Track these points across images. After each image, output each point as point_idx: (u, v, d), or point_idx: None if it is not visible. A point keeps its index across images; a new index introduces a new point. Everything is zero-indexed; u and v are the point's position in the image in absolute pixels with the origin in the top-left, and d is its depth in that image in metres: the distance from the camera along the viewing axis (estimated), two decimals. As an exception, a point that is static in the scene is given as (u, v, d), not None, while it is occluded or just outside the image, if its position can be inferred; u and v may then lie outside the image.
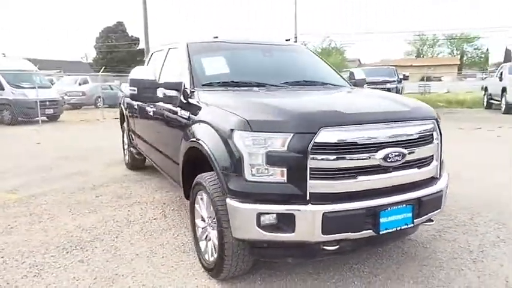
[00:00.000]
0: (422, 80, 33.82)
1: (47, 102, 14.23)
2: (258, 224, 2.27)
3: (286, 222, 2.26)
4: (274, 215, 2.27)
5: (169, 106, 3.50)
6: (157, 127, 3.85)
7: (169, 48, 4.23)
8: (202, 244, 2.94)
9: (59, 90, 17.22)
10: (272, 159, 2.27)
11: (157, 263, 3.06)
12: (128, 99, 5.14)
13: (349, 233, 2.30)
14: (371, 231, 2.34)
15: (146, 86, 3.39)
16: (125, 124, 5.81)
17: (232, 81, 3.34)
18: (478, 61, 52.63)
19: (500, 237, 3.42)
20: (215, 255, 2.67)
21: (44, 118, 13.90)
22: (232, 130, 2.39)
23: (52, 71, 28.82)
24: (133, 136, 5.33)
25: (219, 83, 3.32)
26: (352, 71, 4.29)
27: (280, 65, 3.87)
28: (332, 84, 3.77)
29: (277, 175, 2.29)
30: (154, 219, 4.01)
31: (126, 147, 6.17)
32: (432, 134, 2.67)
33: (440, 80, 40.39)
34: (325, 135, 2.25)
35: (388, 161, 2.37)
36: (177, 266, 3.02)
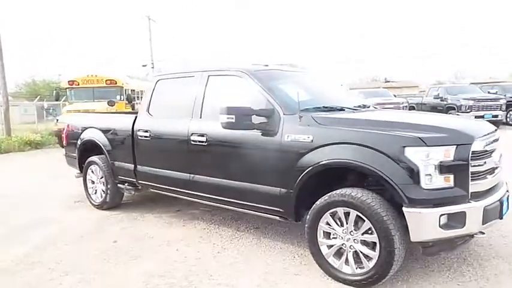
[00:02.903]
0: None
1: None
2: (439, 225, 2.69)
3: (458, 219, 2.73)
4: (446, 215, 2.72)
5: (259, 133, 3.50)
6: (240, 156, 3.69)
7: (208, 76, 4.13)
8: (333, 260, 3.12)
9: None
10: (443, 168, 2.73)
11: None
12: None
13: (493, 221, 2.92)
14: (498, 217, 3.01)
15: (245, 114, 3.35)
16: (108, 157, 5.13)
17: (324, 106, 3.62)
18: None
19: None
20: (370, 265, 2.91)
21: None
22: (404, 147, 2.75)
23: None
24: (141, 169, 4.77)
25: (315, 108, 3.55)
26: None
27: (328, 89, 4.29)
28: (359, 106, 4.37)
29: (447, 181, 2.75)
30: (234, 262, 3.85)
31: (99, 185, 5.41)
32: None
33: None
34: (477, 145, 2.84)
35: (496, 163, 3.11)
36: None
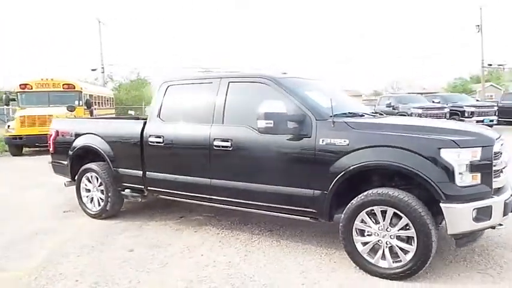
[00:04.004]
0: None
1: None
2: (472, 218, 3.01)
3: (485, 212, 3.08)
4: (477, 209, 3.05)
5: (292, 138, 3.64)
6: (271, 160, 3.77)
7: (229, 82, 4.20)
8: (369, 256, 3.34)
9: None
10: (472, 167, 3.07)
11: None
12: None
13: (510, 213, 3.30)
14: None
15: (282, 119, 3.49)
16: (111, 164, 4.96)
17: (349, 112, 3.85)
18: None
19: None
20: (407, 258, 3.16)
21: None
22: (439, 149, 3.05)
23: None
24: (151, 175, 4.67)
25: (342, 114, 3.77)
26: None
27: (342, 96, 4.55)
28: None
29: (474, 179, 3.09)
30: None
31: (96, 193, 5.20)
32: None
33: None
34: (496, 147, 3.22)
35: (506, 162, 3.52)
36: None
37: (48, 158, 6.04)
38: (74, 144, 5.34)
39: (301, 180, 3.64)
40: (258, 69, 4.36)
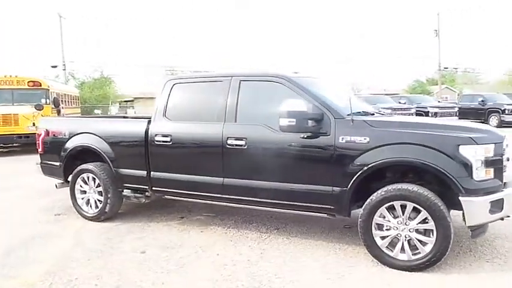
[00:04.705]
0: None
1: None
2: (488, 210, 3.21)
3: (498, 205, 3.29)
4: (491, 202, 3.26)
5: (310, 135, 3.71)
6: (288, 157, 3.80)
7: (240, 81, 4.20)
8: (389, 250, 3.47)
9: None
10: (487, 163, 3.27)
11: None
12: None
13: (515, 206, 3.55)
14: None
15: (304, 117, 3.54)
16: (111, 165, 4.80)
17: (363, 111, 3.97)
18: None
19: None
20: (426, 250, 3.32)
21: None
22: (458, 145, 3.22)
23: None
24: (157, 175, 4.56)
25: (359, 112, 3.88)
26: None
27: (348, 95, 4.67)
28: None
29: (488, 174, 3.30)
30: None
31: (93, 195, 5.01)
32: None
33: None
34: (504, 142, 3.45)
35: (509, 158, 3.77)
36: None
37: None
38: (68, 144, 5.11)
39: (319, 178, 3.71)
40: (253, 68, 4.34)
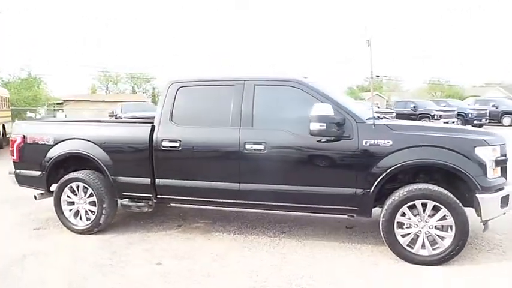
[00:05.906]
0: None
1: None
2: (499, 205, 3.55)
3: (506, 200, 3.64)
4: (501, 198, 3.61)
5: (333, 139, 3.79)
6: (310, 161, 3.83)
7: (255, 85, 4.16)
8: (410, 246, 3.67)
9: None
10: (497, 163, 3.62)
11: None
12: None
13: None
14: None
15: (332, 121, 3.61)
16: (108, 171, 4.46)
17: (378, 116, 4.14)
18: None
19: None
20: (445, 244, 3.57)
21: None
22: (474, 147, 3.52)
23: None
24: (164, 183, 4.32)
25: (376, 117, 4.04)
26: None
27: (353, 100, 4.84)
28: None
29: (496, 172, 3.65)
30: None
31: (83, 205, 4.62)
32: None
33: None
34: (506, 144, 3.85)
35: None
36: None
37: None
38: (53, 151, 4.65)
39: (342, 180, 3.81)
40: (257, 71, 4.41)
